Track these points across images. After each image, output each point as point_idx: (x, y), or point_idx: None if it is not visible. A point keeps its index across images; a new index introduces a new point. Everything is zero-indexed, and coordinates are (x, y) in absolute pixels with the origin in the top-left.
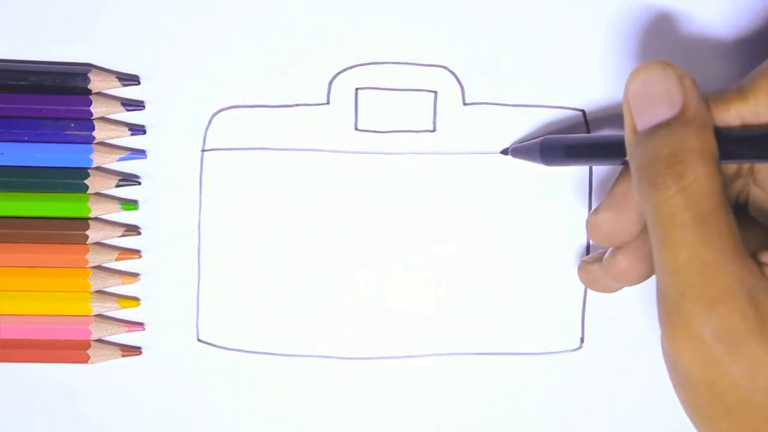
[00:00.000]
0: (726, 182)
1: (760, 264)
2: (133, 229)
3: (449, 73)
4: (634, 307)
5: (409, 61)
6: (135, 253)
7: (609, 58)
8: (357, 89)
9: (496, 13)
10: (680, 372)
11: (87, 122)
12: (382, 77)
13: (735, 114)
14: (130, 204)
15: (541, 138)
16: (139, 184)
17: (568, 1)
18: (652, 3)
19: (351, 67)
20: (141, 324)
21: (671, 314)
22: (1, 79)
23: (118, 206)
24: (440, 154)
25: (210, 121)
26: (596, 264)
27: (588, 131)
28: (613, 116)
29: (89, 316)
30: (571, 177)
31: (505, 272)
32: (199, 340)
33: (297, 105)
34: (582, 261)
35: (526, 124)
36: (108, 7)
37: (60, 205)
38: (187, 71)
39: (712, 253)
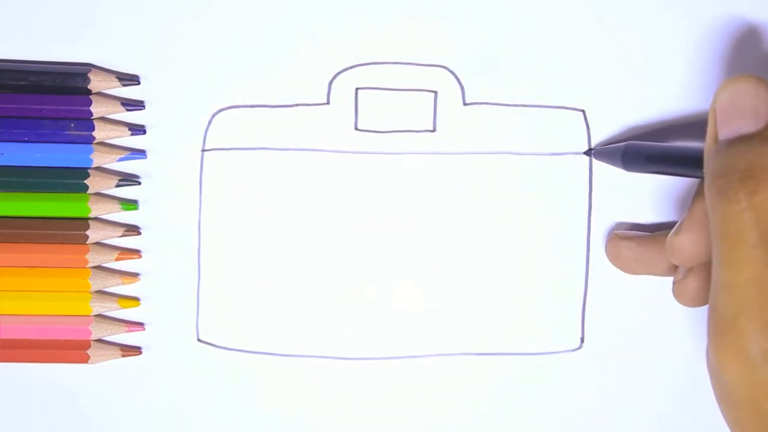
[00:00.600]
0: None
1: None
2: (133, 229)
3: (449, 73)
4: (634, 307)
5: (409, 61)
6: (135, 253)
7: (609, 58)
8: (357, 89)
9: (496, 13)
10: (724, 386)
11: (87, 122)
12: (382, 77)
13: None
14: (130, 204)
15: (625, 143)
16: (139, 184)
17: (568, 1)
18: (653, 3)
19: (351, 67)
20: (141, 324)
21: (723, 330)
22: (1, 79)
23: (118, 206)
24: (440, 154)
25: (210, 121)
26: (626, 242)
27: (588, 131)
28: (614, 116)
29: (89, 316)
30: (571, 177)
31: (505, 272)
32: (199, 340)
33: (297, 105)
34: (614, 234)
35: (526, 124)
36: (108, 7)
37: (60, 205)
38: (187, 71)
39: None
